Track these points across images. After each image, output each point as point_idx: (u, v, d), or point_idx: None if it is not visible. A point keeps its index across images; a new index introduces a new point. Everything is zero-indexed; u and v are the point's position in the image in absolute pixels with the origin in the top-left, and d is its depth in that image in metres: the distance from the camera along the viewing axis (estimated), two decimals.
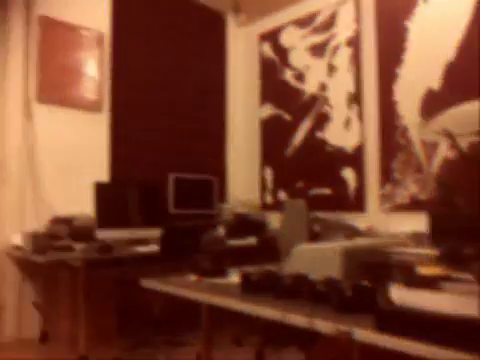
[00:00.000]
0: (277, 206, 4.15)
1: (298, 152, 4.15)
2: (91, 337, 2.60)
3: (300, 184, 4.11)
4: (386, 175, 3.50)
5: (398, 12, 3.50)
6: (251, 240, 3.64)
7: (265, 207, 4.38)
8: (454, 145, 1.58)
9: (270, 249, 3.46)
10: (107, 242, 2.81)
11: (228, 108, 4.62)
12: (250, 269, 1.71)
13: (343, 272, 1.51)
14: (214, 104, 4.51)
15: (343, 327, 1.10)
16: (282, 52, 4.36)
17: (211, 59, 4.52)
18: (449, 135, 1.44)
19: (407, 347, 1.00)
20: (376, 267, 1.35)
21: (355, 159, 3.72)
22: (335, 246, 1.54)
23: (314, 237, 3.37)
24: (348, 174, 3.77)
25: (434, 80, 3.27)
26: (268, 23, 4.52)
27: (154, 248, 2.84)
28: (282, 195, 4.26)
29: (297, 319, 1.19)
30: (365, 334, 1.07)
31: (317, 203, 3.91)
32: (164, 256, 2.74)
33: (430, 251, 1.23)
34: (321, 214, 3.70)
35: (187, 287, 1.59)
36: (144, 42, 3.97)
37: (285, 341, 3.04)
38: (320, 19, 4.05)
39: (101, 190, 3.12)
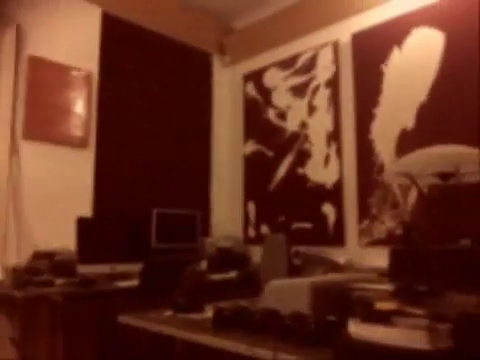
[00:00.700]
0: (260, 240, 4.21)
1: (280, 187, 4.26)
2: None
3: (282, 218, 4.19)
4: (364, 210, 3.61)
5: (374, 56, 3.70)
6: (233, 274, 3.68)
7: (248, 241, 4.44)
8: (414, 185, 1.68)
9: (252, 283, 3.51)
10: (88, 276, 2.84)
11: (212, 144, 4.74)
12: (225, 304, 1.77)
13: (312, 307, 1.58)
14: (199, 141, 4.63)
15: None
16: (265, 92, 4.53)
17: (197, 97, 4.67)
18: (409, 176, 1.55)
19: None
20: (341, 302, 1.42)
21: (334, 194, 3.83)
22: (304, 282, 1.61)
23: (295, 271, 3.43)
24: (328, 209, 3.87)
25: (408, 120, 3.43)
26: (252, 64, 4.71)
27: (135, 283, 2.87)
28: (265, 229, 4.33)
29: (262, 353, 1.25)
30: None
31: (299, 237, 3.99)
32: (144, 291, 2.77)
33: (389, 287, 1.31)
34: (302, 248, 3.77)
35: (162, 323, 1.64)
36: (131, 81, 4.11)
37: None
38: (301, 61, 4.24)
39: (84, 225, 3.16)
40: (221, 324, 1.55)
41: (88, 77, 3.77)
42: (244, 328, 1.49)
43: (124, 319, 1.78)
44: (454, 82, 3.20)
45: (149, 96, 4.23)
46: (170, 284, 2.78)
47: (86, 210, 3.60)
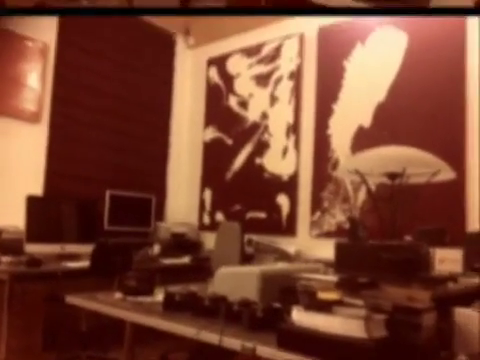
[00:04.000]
0: (214, 227, 4.25)
1: (237, 176, 4.30)
2: (14, 351, 2.54)
3: (237, 207, 4.24)
4: (317, 203, 3.71)
5: (338, 51, 3.77)
6: (185, 259, 3.71)
7: (203, 228, 4.47)
8: (364, 183, 1.76)
9: (204, 269, 3.55)
10: (36, 256, 2.78)
11: (172, 128, 4.70)
12: (175, 288, 1.79)
13: (260, 295, 1.63)
14: (158, 123, 4.58)
15: (248, 344, 1.21)
16: (228, 78, 4.53)
17: (158, 78, 4.60)
18: (359, 174, 1.62)
19: None
20: (287, 291, 1.48)
21: (290, 186, 3.92)
22: (253, 270, 1.66)
23: (247, 258, 3.50)
24: (283, 200, 3.95)
25: (365, 118, 3.55)
26: (216, 49, 4.68)
27: (85, 264, 2.84)
28: (220, 217, 4.37)
29: (209, 336, 1.29)
30: (267, 350, 1.19)
31: (253, 226, 4.05)
32: (94, 272, 2.75)
33: (333, 278, 1.38)
34: (255, 237, 3.85)
35: (111, 305, 1.64)
36: (90, 57, 3.97)
37: (211, 358, 3.11)
38: (266, 51, 4.26)
39: (33, 203, 3.08)
40: (171, 308, 1.58)
41: (44, 49, 3.62)
42: (193, 312, 1.52)
43: (72, 300, 1.77)
44: (413, 85, 3.33)
45: (108, 73, 4.11)
46: (121, 267, 2.78)
47: (37, 188, 3.50)
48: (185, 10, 2.14)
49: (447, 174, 1.71)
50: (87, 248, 3.02)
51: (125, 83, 4.26)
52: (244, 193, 4.22)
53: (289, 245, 3.69)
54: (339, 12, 1.24)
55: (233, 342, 1.24)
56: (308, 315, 1.18)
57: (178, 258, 3.70)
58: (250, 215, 4.14)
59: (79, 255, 3.21)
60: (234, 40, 4.54)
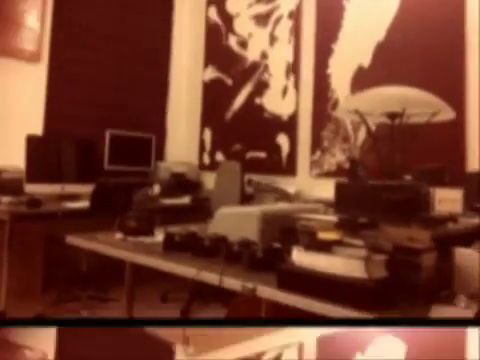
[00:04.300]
0: (214, 167, 4.23)
1: (237, 116, 4.23)
2: (14, 292, 2.61)
3: (237, 147, 4.20)
4: (317, 143, 3.67)
5: None
6: (185, 199, 3.73)
7: (203, 167, 4.46)
8: (364, 123, 1.72)
9: (204, 209, 3.57)
10: (36, 196, 2.78)
11: (171, 67, 4.56)
12: (175, 229, 1.80)
13: (260, 235, 1.63)
14: (157, 62, 4.43)
15: (248, 284, 1.22)
16: (228, 18, 4.34)
17: (157, 17, 4.41)
18: (359, 114, 1.57)
19: (301, 303, 1.15)
20: (287, 231, 1.48)
21: (290, 126, 3.86)
22: (254, 210, 1.65)
23: (247, 199, 3.51)
24: (282, 140, 3.91)
25: (365, 58, 3.43)
26: None
27: (85, 204, 2.85)
28: (220, 156, 4.34)
29: (209, 277, 1.31)
30: (267, 291, 1.20)
31: (252, 166, 4.04)
32: (94, 212, 2.76)
33: (333, 218, 1.37)
34: (255, 177, 3.84)
35: (111, 245, 1.65)
36: None
37: (211, 298, 3.21)
38: None
39: (33, 143, 3.04)
40: (171, 248, 1.59)
41: None
42: (193, 253, 1.53)
43: (72, 240, 1.78)
44: (412, 24, 3.18)
45: (106, 13, 3.95)
46: (121, 207, 2.79)
47: (37, 128, 3.45)
48: (185, 321, 2.22)
49: (447, 114, 1.67)
50: (87, 188, 3.02)
51: (124, 22, 4.10)
52: (244, 133, 4.17)
53: (289, 185, 3.69)
54: (338, 323, 1.17)
55: (233, 282, 1.25)
56: (308, 255, 1.18)
57: (178, 198, 3.71)
58: (250, 155, 4.11)
59: (79, 195, 3.22)
60: None
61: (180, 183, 3.97)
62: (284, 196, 3.60)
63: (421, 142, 2.93)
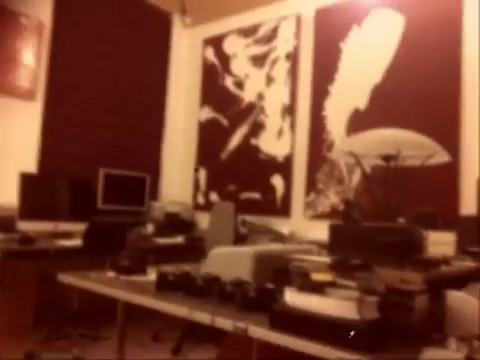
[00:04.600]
0: (208, 207, 4.25)
1: (232, 156, 4.28)
2: (5, 329, 2.55)
3: (232, 187, 4.23)
4: (311, 185, 3.71)
5: (334, 33, 3.72)
6: (179, 239, 3.72)
7: (197, 207, 4.46)
8: (359, 165, 1.75)
9: (197, 248, 3.56)
10: (29, 234, 2.77)
11: (167, 107, 4.65)
12: (169, 268, 1.79)
13: (254, 275, 1.63)
14: (154, 102, 4.53)
15: (240, 324, 1.21)
16: (224, 58, 4.47)
17: (154, 57, 4.53)
18: (354, 156, 1.60)
19: (294, 344, 1.13)
20: (280, 271, 1.48)
21: (285, 167, 3.91)
22: (247, 251, 1.66)
23: (241, 239, 3.51)
24: (277, 181, 3.95)
25: (361, 100, 3.52)
26: (213, 29, 4.62)
27: (78, 242, 2.83)
28: (214, 197, 4.36)
29: (201, 316, 1.29)
30: (259, 331, 1.19)
31: (247, 207, 4.06)
32: (87, 251, 2.75)
33: (326, 259, 1.38)
34: (249, 217, 3.85)
35: (104, 284, 1.64)
36: (85, 35, 3.92)
37: (203, 338, 3.14)
38: (263, 31, 4.20)
39: (27, 181, 3.05)
40: (164, 287, 1.57)
41: (39, 26, 3.56)
42: (186, 292, 1.52)
43: (64, 278, 1.76)
44: (409, 67, 3.30)
45: (103, 52, 4.06)
46: (114, 246, 2.77)
47: (30, 165, 3.47)
48: None
49: (442, 157, 1.71)
50: (80, 226, 3.01)
51: (121, 62, 4.20)
52: (239, 173, 4.21)
53: (283, 226, 3.70)
54: None
55: (225, 322, 1.24)
56: (301, 296, 1.18)
57: (172, 237, 3.70)
58: (244, 196, 4.14)
59: (72, 233, 3.21)
60: (231, 20, 4.48)
61: (174, 223, 3.97)
62: (278, 237, 3.60)
63: (415, 184, 2.98)
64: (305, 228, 3.66)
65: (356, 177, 3.44)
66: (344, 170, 3.52)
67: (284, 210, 3.87)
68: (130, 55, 4.28)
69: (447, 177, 3.02)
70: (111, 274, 1.77)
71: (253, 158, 4.12)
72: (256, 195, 4.07)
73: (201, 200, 4.46)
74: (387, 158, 1.60)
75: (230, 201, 3.77)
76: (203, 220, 4.16)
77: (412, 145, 1.55)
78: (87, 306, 3.10)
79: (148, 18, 4.48)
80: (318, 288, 1.18)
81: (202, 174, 4.49)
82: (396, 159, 1.58)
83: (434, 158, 1.68)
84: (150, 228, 3.60)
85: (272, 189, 3.97)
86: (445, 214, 2.64)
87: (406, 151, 1.57)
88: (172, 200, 4.45)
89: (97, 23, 4.01)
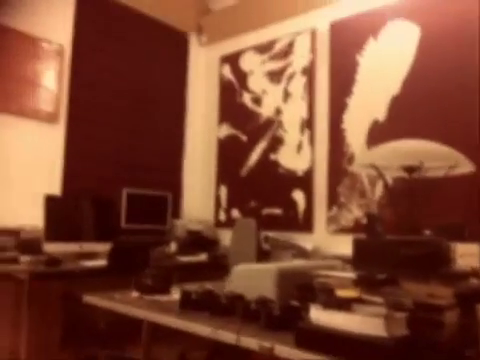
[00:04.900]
0: (230, 224, 4.24)
1: (252, 172, 4.28)
2: (33, 351, 2.58)
3: (253, 203, 4.22)
4: (333, 198, 3.68)
5: (350, 46, 3.72)
6: (202, 257, 3.72)
7: (219, 224, 4.46)
8: (380, 177, 1.73)
9: (221, 266, 3.54)
10: (54, 255, 2.81)
11: (187, 125, 4.71)
12: (192, 287, 1.79)
13: (277, 292, 1.61)
14: (173, 121, 4.59)
15: (266, 343, 1.19)
16: (241, 75, 4.51)
17: (172, 77, 4.61)
18: (376, 168, 1.59)
19: None
20: (304, 288, 1.46)
21: (305, 182, 3.88)
22: (270, 267, 1.64)
23: (264, 255, 3.48)
24: (298, 196, 3.92)
25: (380, 112, 3.49)
26: (229, 46, 4.67)
27: (103, 263, 2.86)
28: (235, 213, 4.36)
29: (226, 335, 1.28)
30: (285, 350, 1.18)
31: (269, 222, 4.04)
32: (112, 271, 2.77)
33: (351, 275, 1.35)
34: (272, 233, 3.82)
35: (128, 304, 1.65)
36: (105, 57, 4.02)
37: (230, 357, 3.11)
38: (278, 47, 4.23)
39: (51, 203, 3.11)
40: (187, 306, 1.57)
41: (60, 50, 3.67)
42: (210, 311, 1.51)
43: (89, 299, 1.77)
44: (427, 77, 3.27)
45: (123, 73, 4.14)
46: (138, 265, 2.79)
47: (55, 187, 3.54)
48: None
49: (465, 167, 1.67)
50: (105, 247, 3.04)
51: (140, 82, 4.29)
52: (259, 189, 4.20)
53: (306, 241, 3.66)
54: None
55: (250, 341, 1.23)
56: (326, 313, 1.16)
57: (195, 255, 3.70)
58: (266, 211, 4.12)
59: (97, 254, 3.24)
60: (246, 37, 4.52)
61: (196, 240, 3.98)
62: (301, 252, 3.56)
63: (440, 196, 2.92)
64: (328, 243, 3.61)
65: (379, 190, 3.39)
66: (366, 183, 3.48)
67: (306, 225, 3.83)
68: (149, 75, 4.37)
69: (474, 187, 2.95)
70: (135, 294, 1.78)
71: (273, 173, 4.11)
72: (277, 210, 4.05)
73: (223, 217, 4.47)
74: (409, 169, 1.58)
75: (252, 217, 3.76)
76: (225, 237, 4.15)
77: (435, 156, 1.52)
78: (114, 327, 3.11)
79: (165, 38, 4.57)
80: (344, 305, 1.16)
81: (223, 191, 4.50)
82: (419, 170, 1.55)
83: (457, 168, 1.65)
84: (173, 246, 3.62)
85: (293, 204, 3.94)
86: (473, 225, 2.58)
87: (429, 162, 1.55)
88: (194, 218, 4.46)
89: (116, 44, 4.11)
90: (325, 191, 3.75)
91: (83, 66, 3.84)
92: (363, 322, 1.09)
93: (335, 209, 3.65)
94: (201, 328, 1.35)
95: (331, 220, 3.67)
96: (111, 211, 3.55)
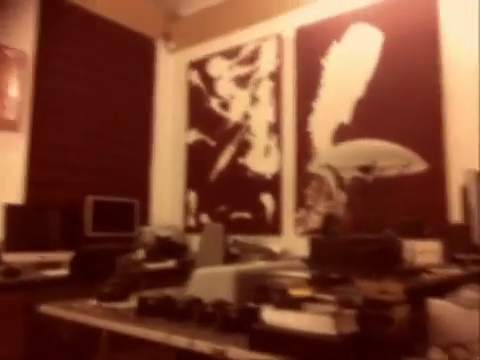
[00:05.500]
0: (200, 229, 4.22)
1: (221, 177, 4.28)
2: None
3: (222, 208, 4.21)
4: (301, 201, 3.70)
5: (315, 51, 3.78)
6: (170, 263, 3.68)
7: (188, 230, 4.43)
8: (337, 178, 1.75)
9: (189, 272, 3.51)
10: (13, 265, 2.73)
11: (155, 131, 4.67)
12: (150, 293, 1.76)
13: (237, 295, 1.60)
14: (140, 127, 4.54)
15: (219, 347, 1.18)
16: (209, 81, 4.51)
17: (139, 83, 4.57)
18: (332, 169, 1.60)
19: None
20: (262, 289, 1.46)
21: (273, 185, 3.90)
22: (229, 270, 1.63)
23: (231, 259, 3.47)
24: (267, 199, 3.94)
25: (345, 115, 3.55)
26: (197, 52, 4.67)
27: (65, 272, 2.79)
28: (205, 218, 4.34)
29: (180, 340, 1.26)
30: (238, 352, 1.16)
31: (238, 226, 4.03)
32: (75, 280, 2.71)
33: (305, 274, 1.36)
34: (241, 237, 3.82)
35: (85, 312, 1.61)
36: (70, 63, 3.95)
37: None
38: (245, 52, 4.25)
39: (12, 212, 3.03)
40: (145, 313, 1.54)
41: (22, 57, 3.59)
42: (166, 316, 1.49)
43: (46, 309, 1.73)
44: (390, 79, 3.34)
45: (89, 80, 4.08)
46: (103, 273, 2.73)
47: (16, 196, 3.44)
48: None
49: (418, 165, 1.71)
50: (69, 256, 2.97)
51: (107, 89, 4.23)
52: (228, 194, 4.20)
53: (275, 244, 3.67)
54: None
55: (204, 345, 1.21)
56: (279, 313, 1.16)
57: (163, 262, 3.66)
58: (235, 215, 4.12)
59: (61, 263, 3.16)
60: (213, 43, 4.54)
61: (165, 247, 3.94)
62: (270, 255, 3.56)
63: (405, 195, 2.97)
64: (296, 245, 3.63)
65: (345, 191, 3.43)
66: (332, 185, 3.52)
67: (275, 228, 3.84)
68: (115, 82, 4.31)
69: (434, 186, 3.02)
70: (93, 302, 1.74)
71: (242, 177, 4.11)
72: (247, 214, 4.05)
73: (192, 222, 4.44)
74: (364, 169, 1.60)
75: (221, 222, 3.75)
76: (195, 243, 4.12)
77: (387, 155, 1.55)
78: (79, 337, 3.03)
79: (132, 44, 4.53)
80: (295, 304, 1.16)
81: (192, 196, 4.48)
82: (373, 170, 1.58)
83: (411, 167, 1.68)
84: (141, 253, 3.57)
85: (262, 207, 3.95)
86: (435, 223, 2.63)
87: (381, 161, 1.57)
88: (163, 224, 4.42)
89: (82, 51, 4.05)
90: (293, 194, 3.78)
91: (47, 73, 3.77)
92: (312, 320, 1.09)
93: (303, 211, 3.68)
94: (154, 333, 1.33)
95: (299, 222, 3.69)
96: (76, 219, 3.47)
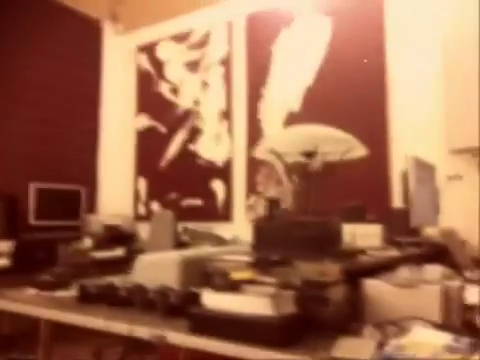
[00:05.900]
0: (150, 217, 4.16)
1: (172, 164, 4.22)
2: None
3: (173, 195, 4.17)
4: (251, 188, 3.72)
5: (265, 37, 3.77)
6: (119, 252, 3.61)
7: (139, 218, 4.36)
8: (281, 163, 1.77)
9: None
10: None
11: (102, 117, 4.53)
12: (91, 281, 1.71)
13: (181, 281, 1.59)
14: (86, 112, 4.39)
15: (158, 332, 1.17)
16: (159, 65, 4.41)
17: (85, 67, 4.41)
18: (275, 154, 1.62)
19: (214, 346, 1.11)
20: (206, 275, 1.45)
21: (224, 172, 3.90)
22: (173, 256, 1.62)
23: (182, 247, 3.45)
24: (218, 186, 3.93)
25: (295, 103, 3.58)
26: (146, 35, 4.55)
27: (7, 262, 2.67)
28: (155, 206, 4.28)
29: (118, 326, 1.24)
30: (178, 337, 1.16)
31: (189, 214, 4.00)
32: (17, 270, 2.60)
33: (247, 258, 1.36)
34: (192, 224, 3.80)
35: (22, 302, 1.54)
36: (13, 47, 3.74)
37: (146, 351, 3.05)
38: (195, 37, 4.19)
39: None
40: (85, 300, 1.50)
41: None
42: (108, 303, 1.46)
43: None
44: (339, 67, 3.39)
45: (33, 63, 3.90)
46: (46, 263, 2.64)
47: None
48: None
49: (359, 151, 1.75)
50: (10, 245, 2.84)
51: (51, 72, 4.05)
52: (179, 181, 4.15)
53: (226, 231, 3.68)
54: None
55: (143, 331, 1.20)
56: (218, 297, 1.16)
57: (111, 251, 3.58)
58: (186, 203, 4.08)
59: (2, 253, 3.02)
60: (163, 26, 4.43)
61: (114, 235, 3.85)
62: (220, 242, 3.57)
63: (349, 181, 3.06)
64: (247, 231, 3.65)
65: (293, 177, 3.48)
66: (281, 171, 3.56)
67: (226, 214, 3.85)
68: (60, 64, 4.14)
69: (378, 172, 3.12)
70: (31, 291, 1.68)
71: (192, 164, 4.08)
72: (198, 201, 4.03)
73: (142, 210, 4.36)
74: (307, 154, 1.62)
75: (172, 209, 3.71)
76: (145, 231, 4.06)
77: (329, 140, 1.58)
78: (23, 329, 2.92)
79: (77, 26, 4.36)
80: (235, 287, 1.16)
81: (142, 183, 4.40)
82: (315, 155, 1.60)
83: (352, 152, 1.72)
84: (87, 242, 3.47)
85: (213, 194, 3.94)
86: (379, 207, 2.73)
87: (322, 146, 1.60)
88: (112, 212, 4.32)
89: (25, 34, 3.85)
90: (244, 181, 3.79)
91: None
92: (251, 302, 1.10)
93: (253, 198, 3.70)
94: (93, 321, 1.30)
95: (250, 209, 3.72)
96: (17, 207, 3.33)
